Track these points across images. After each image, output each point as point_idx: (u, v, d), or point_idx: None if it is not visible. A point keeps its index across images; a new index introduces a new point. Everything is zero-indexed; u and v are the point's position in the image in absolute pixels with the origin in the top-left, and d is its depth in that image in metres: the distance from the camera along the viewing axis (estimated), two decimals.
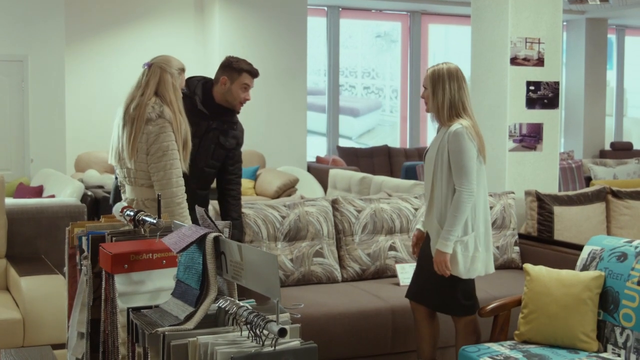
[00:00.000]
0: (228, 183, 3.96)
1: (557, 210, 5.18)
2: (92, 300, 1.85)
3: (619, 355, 3.26)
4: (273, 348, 1.36)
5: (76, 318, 1.90)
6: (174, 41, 9.86)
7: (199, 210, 1.67)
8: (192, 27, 10.27)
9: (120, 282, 1.72)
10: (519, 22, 5.43)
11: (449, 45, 13.93)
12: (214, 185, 3.99)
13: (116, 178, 3.79)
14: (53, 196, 6.46)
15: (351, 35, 13.08)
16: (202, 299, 1.54)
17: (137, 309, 1.63)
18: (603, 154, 13.66)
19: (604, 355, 3.27)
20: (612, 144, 14.18)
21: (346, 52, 12.94)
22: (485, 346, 3.39)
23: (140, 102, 3.45)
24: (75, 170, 9.34)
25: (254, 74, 3.93)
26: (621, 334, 3.28)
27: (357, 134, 13.17)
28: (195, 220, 1.86)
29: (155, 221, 1.79)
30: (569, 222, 5.19)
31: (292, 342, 1.40)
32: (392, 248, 4.64)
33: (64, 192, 6.53)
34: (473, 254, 3.57)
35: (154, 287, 1.75)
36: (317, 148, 12.17)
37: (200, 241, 1.57)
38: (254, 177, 9.46)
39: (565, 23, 13.80)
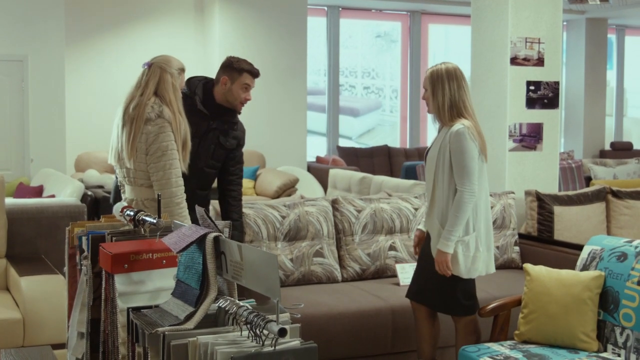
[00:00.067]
0: (229, 184, 3.95)
1: (557, 210, 5.18)
2: (92, 300, 1.85)
3: (619, 355, 3.26)
4: (273, 348, 1.36)
5: (76, 318, 1.90)
6: (174, 41, 9.85)
7: (199, 210, 1.67)
8: (192, 28, 10.26)
9: (120, 282, 1.72)
10: (519, 22, 5.43)
11: (449, 45, 13.92)
12: (214, 185, 3.99)
13: (116, 178, 3.78)
14: (53, 196, 6.45)
15: (351, 35, 13.07)
16: (202, 299, 1.54)
17: (137, 309, 1.63)
18: (603, 154, 13.66)
19: (604, 355, 3.27)
20: (612, 144, 14.18)
21: (346, 52, 12.93)
22: (485, 346, 3.39)
23: (139, 102, 3.44)
24: (75, 170, 9.34)
25: (254, 74, 3.93)
26: (621, 333, 3.28)
27: (357, 133, 13.17)
28: (195, 220, 1.86)
29: (155, 221, 1.79)
30: (569, 222, 5.19)
31: (292, 342, 1.40)
32: (392, 248, 4.64)
33: (64, 192, 6.53)
34: (474, 254, 3.56)
35: (154, 287, 1.75)
36: (317, 148, 12.16)
37: (200, 241, 1.57)
38: (254, 177, 9.46)
39: (565, 23, 13.80)
